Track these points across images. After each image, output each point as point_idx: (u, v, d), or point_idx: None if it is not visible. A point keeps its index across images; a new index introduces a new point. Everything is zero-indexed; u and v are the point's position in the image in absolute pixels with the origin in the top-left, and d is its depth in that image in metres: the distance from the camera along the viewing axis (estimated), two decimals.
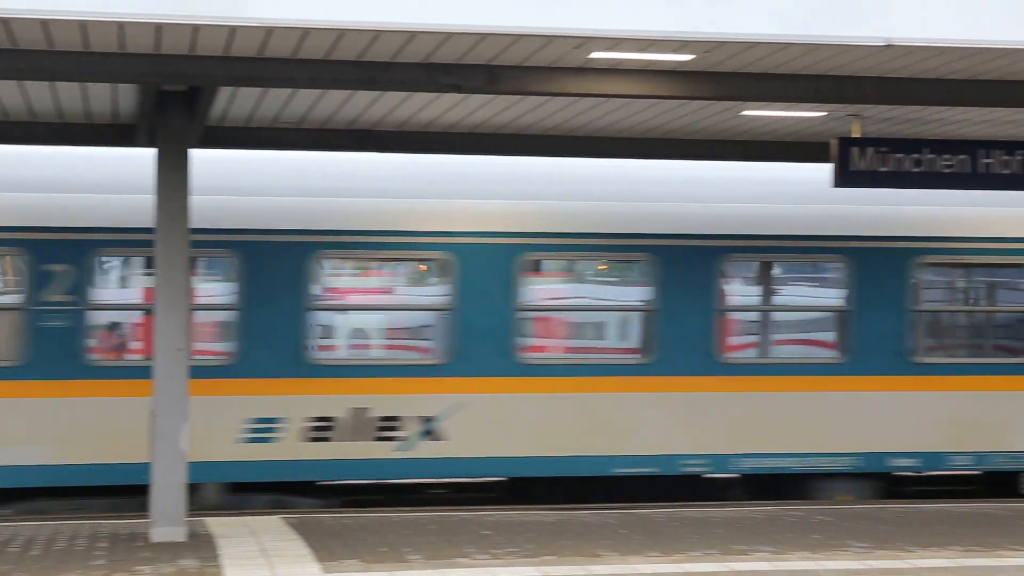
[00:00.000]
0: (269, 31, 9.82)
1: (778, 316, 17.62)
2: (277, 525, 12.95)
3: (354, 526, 12.89)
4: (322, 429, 15.27)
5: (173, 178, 12.50)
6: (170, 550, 11.52)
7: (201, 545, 11.81)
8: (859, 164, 13.40)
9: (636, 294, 16.32)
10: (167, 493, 12.30)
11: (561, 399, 15.70)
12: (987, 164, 13.56)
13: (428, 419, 15.42)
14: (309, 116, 14.01)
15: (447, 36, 10.13)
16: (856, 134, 13.60)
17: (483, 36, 10.27)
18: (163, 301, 12.40)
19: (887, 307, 16.55)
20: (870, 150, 13.38)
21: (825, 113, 13.57)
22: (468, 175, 15.97)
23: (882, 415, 16.41)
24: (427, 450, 15.41)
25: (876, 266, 16.53)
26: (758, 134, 15.15)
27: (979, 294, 18.27)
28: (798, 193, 16.62)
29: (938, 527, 13.14)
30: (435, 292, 16.03)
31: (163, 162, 12.52)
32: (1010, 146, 13.58)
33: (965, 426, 16.61)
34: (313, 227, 15.36)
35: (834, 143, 13.33)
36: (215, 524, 13.05)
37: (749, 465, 16.16)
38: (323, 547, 11.60)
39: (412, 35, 10.08)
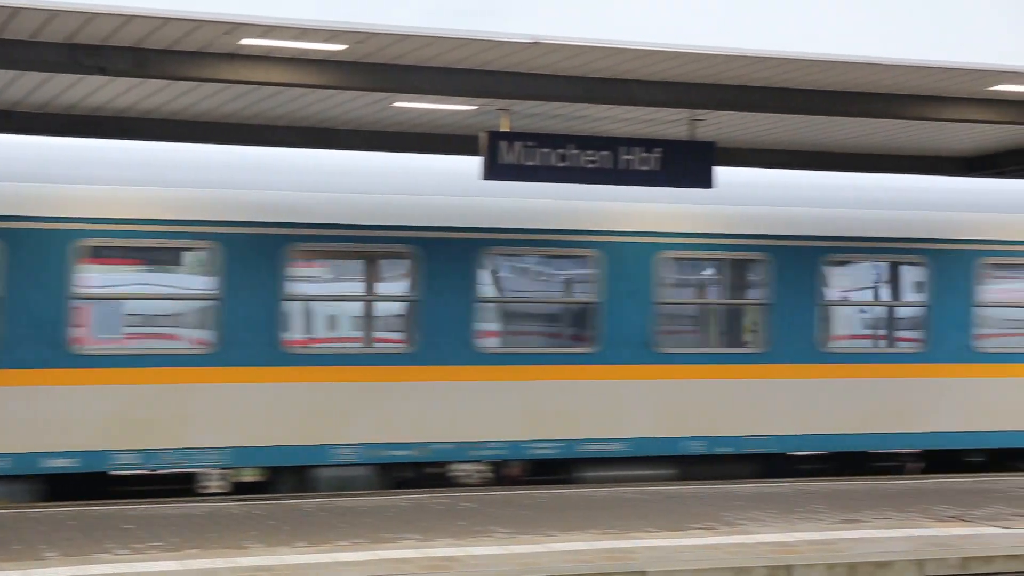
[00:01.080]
0: None
1: (348, 307, 17.44)
2: None
3: None
4: None
5: None
6: None
7: None
8: (507, 158, 13.71)
9: (202, 282, 15.69)
10: None
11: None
12: (628, 160, 14.08)
13: None
14: None
15: (91, 16, 9.84)
16: (505, 128, 13.90)
17: (129, 18, 10.01)
18: None
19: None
20: (518, 144, 13.70)
21: (476, 107, 13.82)
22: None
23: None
24: None
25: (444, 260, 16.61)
26: (411, 125, 15.29)
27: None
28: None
29: (578, 511, 13.57)
30: None
31: None
32: (649, 144, 14.14)
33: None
34: None
35: (483, 136, 13.59)
36: None
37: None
38: None
39: (54, 14, 9.74)
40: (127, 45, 10.86)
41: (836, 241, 16.72)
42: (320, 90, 12.67)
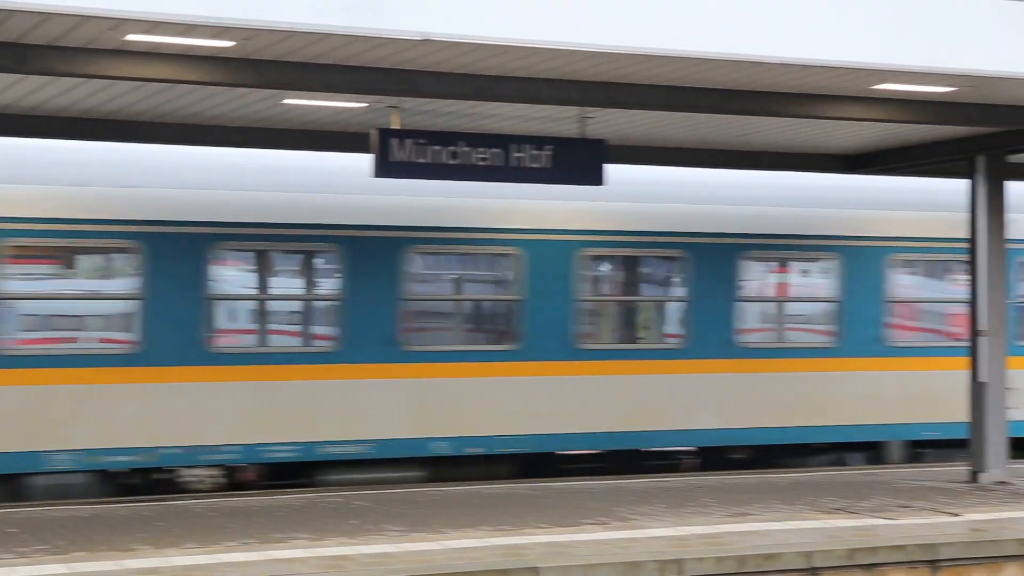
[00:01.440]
0: None
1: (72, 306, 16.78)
2: None
3: None
4: None
5: None
6: None
7: None
8: (399, 155, 13.66)
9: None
10: None
11: None
12: (519, 158, 14.11)
13: None
14: None
15: None
16: (395, 125, 13.85)
17: (11, 12, 9.82)
18: None
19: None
20: (409, 142, 13.65)
21: (366, 104, 13.76)
22: None
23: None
24: None
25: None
26: (302, 123, 15.17)
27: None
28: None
29: (471, 508, 13.59)
30: None
31: None
32: (540, 141, 14.18)
33: None
34: None
35: (374, 134, 13.53)
36: None
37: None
38: None
39: None
40: (9, 40, 10.66)
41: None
42: (209, 87, 12.52)
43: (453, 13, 10.79)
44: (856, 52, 11.78)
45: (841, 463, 18.82)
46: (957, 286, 19.53)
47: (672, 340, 18.19)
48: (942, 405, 18.91)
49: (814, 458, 18.83)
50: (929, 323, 19.93)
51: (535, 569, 10.41)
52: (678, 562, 10.78)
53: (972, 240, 16.33)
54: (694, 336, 17.96)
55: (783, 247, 18.72)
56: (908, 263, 19.62)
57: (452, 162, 13.92)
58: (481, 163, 14.03)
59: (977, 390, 16.20)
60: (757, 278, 18.94)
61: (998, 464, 16.03)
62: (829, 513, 13.30)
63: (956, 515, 13.17)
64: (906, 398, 19.10)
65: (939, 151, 16.72)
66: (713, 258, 18.10)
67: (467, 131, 14.67)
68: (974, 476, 16.07)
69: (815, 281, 19.36)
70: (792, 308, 19.39)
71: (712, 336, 18.06)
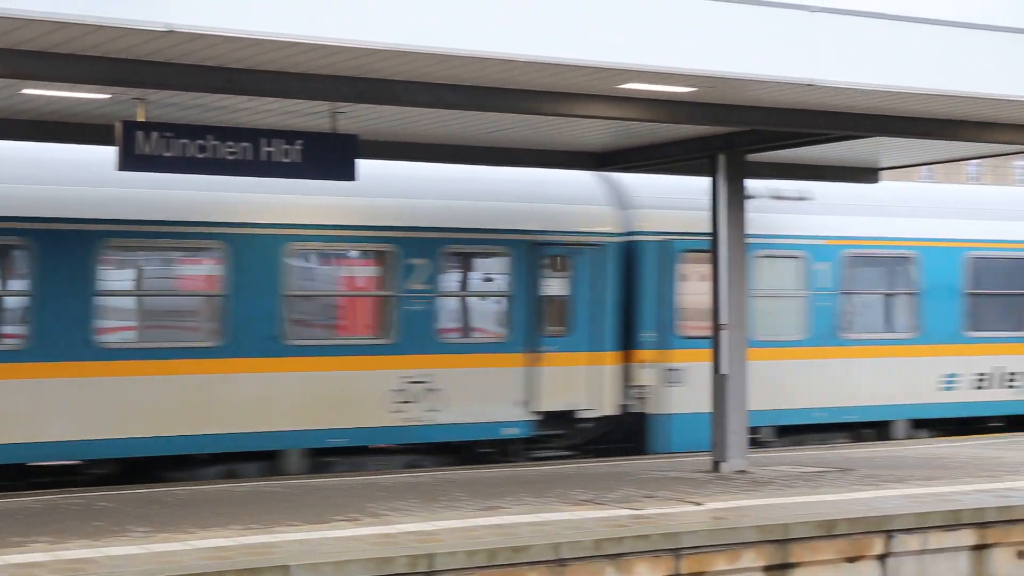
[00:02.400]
0: None
1: None
2: None
3: None
4: None
5: None
6: None
7: None
8: (144, 148, 13.34)
9: None
10: None
11: None
12: (269, 152, 13.95)
13: None
14: None
15: None
16: (141, 118, 13.54)
17: None
18: None
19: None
20: (155, 134, 13.35)
21: (109, 96, 13.40)
22: None
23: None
24: None
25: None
26: (42, 113, 14.70)
27: None
28: None
29: (220, 507, 13.39)
30: None
31: None
32: (291, 136, 14.05)
33: None
34: None
35: (119, 126, 13.19)
36: None
37: None
38: None
39: None
40: None
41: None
42: None
43: (200, 4, 10.58)
44: (602, 52, 12.00)
45: (234, 475, 17.29)
46: (360, 277, 18.94)
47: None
48: (350, 409, 17.80)
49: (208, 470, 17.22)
50: (330, 319, 18.73)
51: (285, 567, 10.32)
52: (429, 556, 10.83)
53: (714, 236, 16.84)
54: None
55: (156, 235, 17.04)
56: (307, 252, 18.31)
57: (200, 156, 13.66)
58: (230, 157, 13.81)
59: (719, 382, 16.72)
60: (134, 271, 17.59)
61: (739, 454, 16.58)
62: (577, 505, 13.54)
63: (698, 504, 13.57)
64: (307, 402, 17.63)
65: (683, 149, 17.21)
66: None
67: (216, 124, 14.42)
68: (716, 466, 16.59)
69: (197, 274, 18.05)
70: (170, 304, 18.06)
71: (63, 335, 16.29)
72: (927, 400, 21.90)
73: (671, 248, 20.01)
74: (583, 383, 19.44)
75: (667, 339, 19.92)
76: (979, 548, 13.21)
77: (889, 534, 12.75)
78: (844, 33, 12.96)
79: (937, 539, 12.99)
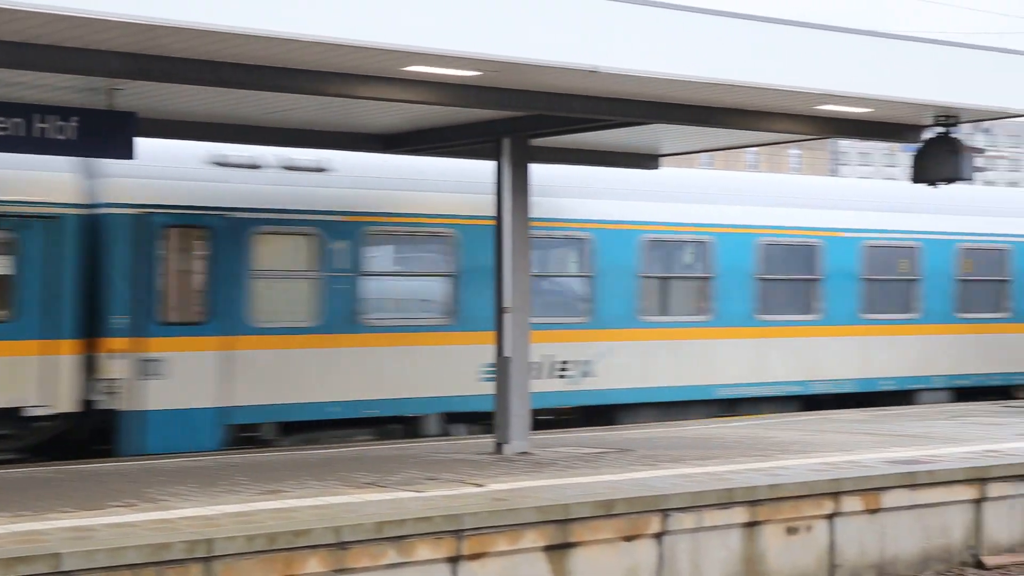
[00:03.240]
0: None
1: None
2: None
3: None
4: None
5: None
6: None
7: None
8: None
9: None
10: None
11: None
12: (43, 129, 13.55)
13: None
14: None
15: None
16: None
17: None
18: None
19: None
20: None
21: None
22: None
23: None
24: None
25: None
26: None
27: None
28: None
29: None
30: None
31: None
32: (66, 112, 13.66)
33: None
34: None
35: None
36: None
37: None
38: None
39: None
40: None
41: None
42: None
43: None
44: (388, 34, 11.97)
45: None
46: None
47: None
48: None
49: None
50: None
51: (57, 555, 10.04)
52: (208, 542, 10.67)
53: (498, 221, 16.96)
54: None
55: None
56: None
57: None
58: (1, 133, 13.39)
59: (502, 364, 16.86)
60: None
61: (521, 436, 16.75)
62: (360, 488, 13.50)
63: (480, 486, 13.66)
64: None
65: (469, 133, 17.28)
66: None
67: None
68: (499, 448, 16.74)
69: None
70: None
71: None
72: (465, 392, 20.03)
73: (151, 223, 17.78)
74: (34, 376, 17.07)
75: (144, 326, 17.64)
76: (751, 525, 13.60)
77: (665, 513, 13.03)
78: (627, 21, 13.18)
79: (711, 517, 13.33)
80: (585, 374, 21.39)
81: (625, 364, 21.72)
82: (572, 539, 12.49)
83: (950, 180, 16.56)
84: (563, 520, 12.43)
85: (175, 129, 16.74)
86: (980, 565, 15.15)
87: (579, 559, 12.52)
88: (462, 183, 20.40)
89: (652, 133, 17.78)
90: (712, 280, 22.83)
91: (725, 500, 13.47)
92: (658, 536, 13.02)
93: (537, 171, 18.08)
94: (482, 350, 19.40)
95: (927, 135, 16.79)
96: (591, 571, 12.57)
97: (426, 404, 20.00)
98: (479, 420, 20.01)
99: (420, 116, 16.65)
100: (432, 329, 20.11)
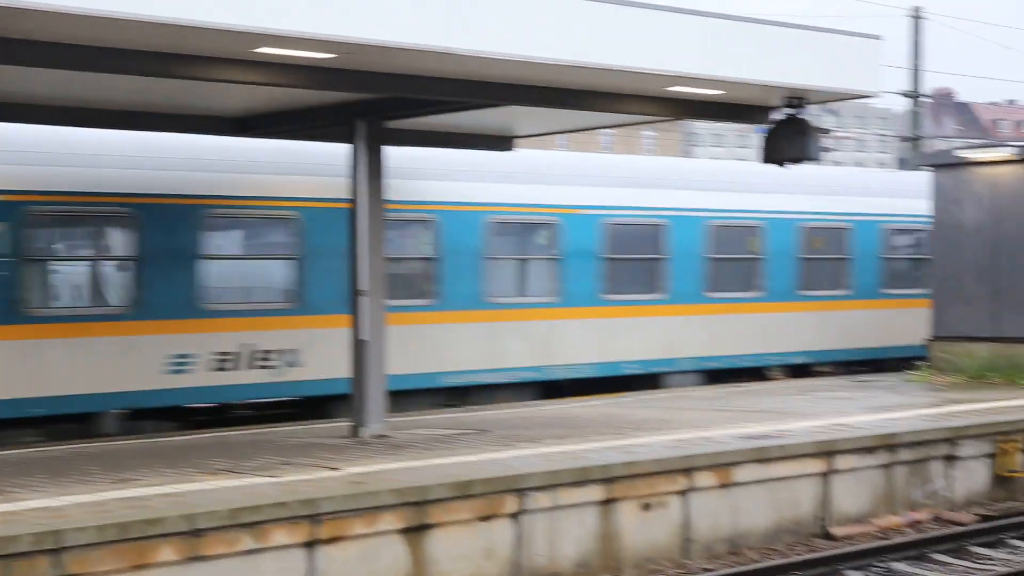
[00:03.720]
0: None
1: None
2: None
3: None
4: None
5: None
6: None
7: None
8: None
9: None
10: None
11: None
12: None
13: None
14: None
15: None
16: None
17: None
18: None
19: None
20: None
21: None
22: None
23: None
24: None
25: None
26: None
27: None
28: None
29: None
30: None
31: None
32: None
33: None
34: None
35: None
36: None
37: None
38: None
39: None
40: None
41: None
42: None
43: None
44: (235, 15, 11.80)
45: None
46: None
47: None
48: None
49: None
50: None
51: None
52: (56, 533, 10.47)
53: (353, 203, 16.87)
54: None
55: None
56: None
57: None
58: None
59: (359, 348, 16.79)
60: None
61: (378, 419, 16.71)
62: (214, 474, 13.36)
63: (336, 469, 13.61)
64: None
65: (323, 115, 17.13)
66: None
67: None
68: (355, 431, 16.67)
69: None
70: None
71: None
72: (148, 387, 18.48)
73: None
74: None
75: None
76: (607, 503, 13.75)
77: (522, 492, 13.12)
78: (482, 3, 13.16)
79: (567, 495, 13.44)
80: (291, 364, 20.04)
81: (337, 353, 19.07)
82: (429, 520, 12.51)
83: (797, 160, 16.86)
84: (420, 502, 12.45)
85: (11, 112, 16.33)
86: (829, 536, 15.51)
87: (437, 540, 12.55)
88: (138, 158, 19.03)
89: (507, 115, 17.81)
90: (436, 263, 21.52)
91: (581, 478, 13.60)
92: (515, 515, 13.10)
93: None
94: (172, 340, 18.46)
95: (776, 116, 17.07)
96: (449, 552, 12.61)
97: (97, 401, 18.23)
98: (165, 417, 18.92)
99: (273, 98, 16.45)
100: (115, 319, 18.34)
